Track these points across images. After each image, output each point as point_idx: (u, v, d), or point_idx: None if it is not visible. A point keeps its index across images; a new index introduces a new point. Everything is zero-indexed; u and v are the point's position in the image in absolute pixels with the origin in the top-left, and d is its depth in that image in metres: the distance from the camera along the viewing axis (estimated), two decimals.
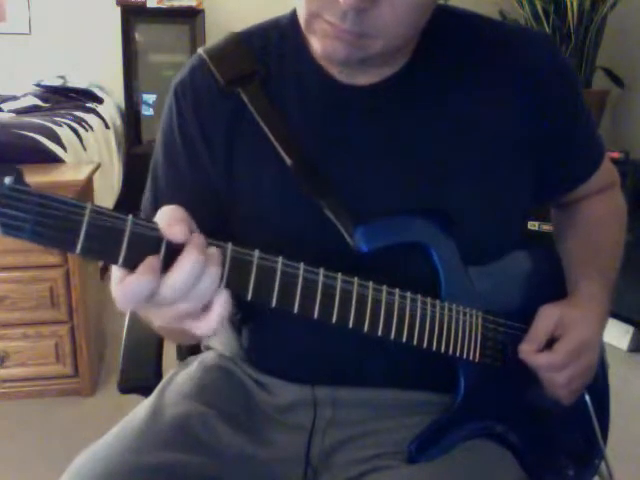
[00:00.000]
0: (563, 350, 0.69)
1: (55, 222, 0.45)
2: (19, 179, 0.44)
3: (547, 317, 0.69)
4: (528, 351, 0.69)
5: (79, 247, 0.46)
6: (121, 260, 0.47)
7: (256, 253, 0.53)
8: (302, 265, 0.56)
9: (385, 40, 0.59)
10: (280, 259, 0.54)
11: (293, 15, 0.71)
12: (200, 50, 0.73)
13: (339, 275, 0.58)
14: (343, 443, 0.72)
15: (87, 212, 0.46)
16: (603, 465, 0.79)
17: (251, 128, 0.68)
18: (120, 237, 0.47)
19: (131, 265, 0.47)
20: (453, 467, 0.66)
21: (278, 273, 0.54)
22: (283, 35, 0.72)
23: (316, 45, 0.61)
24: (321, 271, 0.57)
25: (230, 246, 0.52)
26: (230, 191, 0.70)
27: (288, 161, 0.66)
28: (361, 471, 0.68)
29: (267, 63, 0.70)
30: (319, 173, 0.67)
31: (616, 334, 2.34)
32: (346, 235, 0.65)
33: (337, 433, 0.73)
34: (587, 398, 0.75)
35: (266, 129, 0.67)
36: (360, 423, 0.73)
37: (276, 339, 0.76)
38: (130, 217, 0.47)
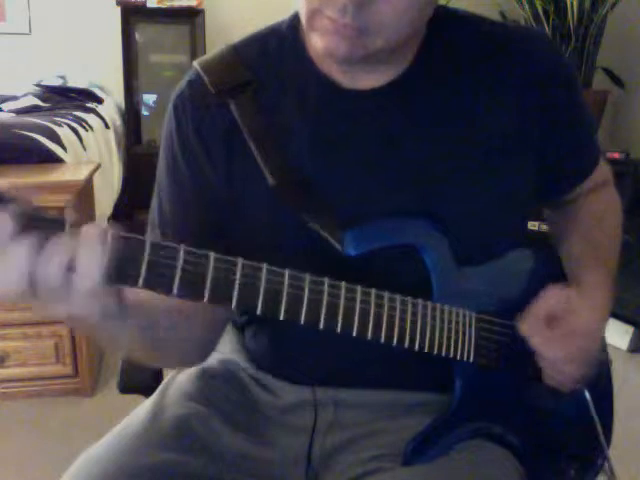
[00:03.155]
0: (558, 328, 0.67)
1: None
2: None
3: (551, 296, 0.68)
4: (524, 324, 0.68)
5: None
6: None
7: (240, 261, 0.53)
8: (287, 271, 0.55)
9: (385, 36, 0.59)
10: (264, 266, 0.54)
11: (293, 19, 0.71)
12: (195, 63, 0.72)
13: (326, 280, 0.58)
14: (344, 444, 0.72)
15: None
16: (606, 464, 0.78)
17: (245, 138, 0.68)
18: None
19: None
20: (453, 468, 0.66)
21: (263, 280, 0.54)
22: (282, 40, 0.71)
23: (317, 42, 0.61)
24: (307, 277, 0.57)
25: (213, 254, 0.52)
26: (230, 201, 0.70)
27: (270, 180, 0.66)
28: (362, 472, 0.68)
29: (264, 71, 0.70)
30: (304, 187, 0.66)
31: (616, 334, 2.33)
32: (334, 242, 0.64)
33: (338, 434, 0.73)
34: (587, 396, 0.74)
35: (252, 144, 0.67)
36: (361, 424, 0.73)
37: (277, 341, 0.76)
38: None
